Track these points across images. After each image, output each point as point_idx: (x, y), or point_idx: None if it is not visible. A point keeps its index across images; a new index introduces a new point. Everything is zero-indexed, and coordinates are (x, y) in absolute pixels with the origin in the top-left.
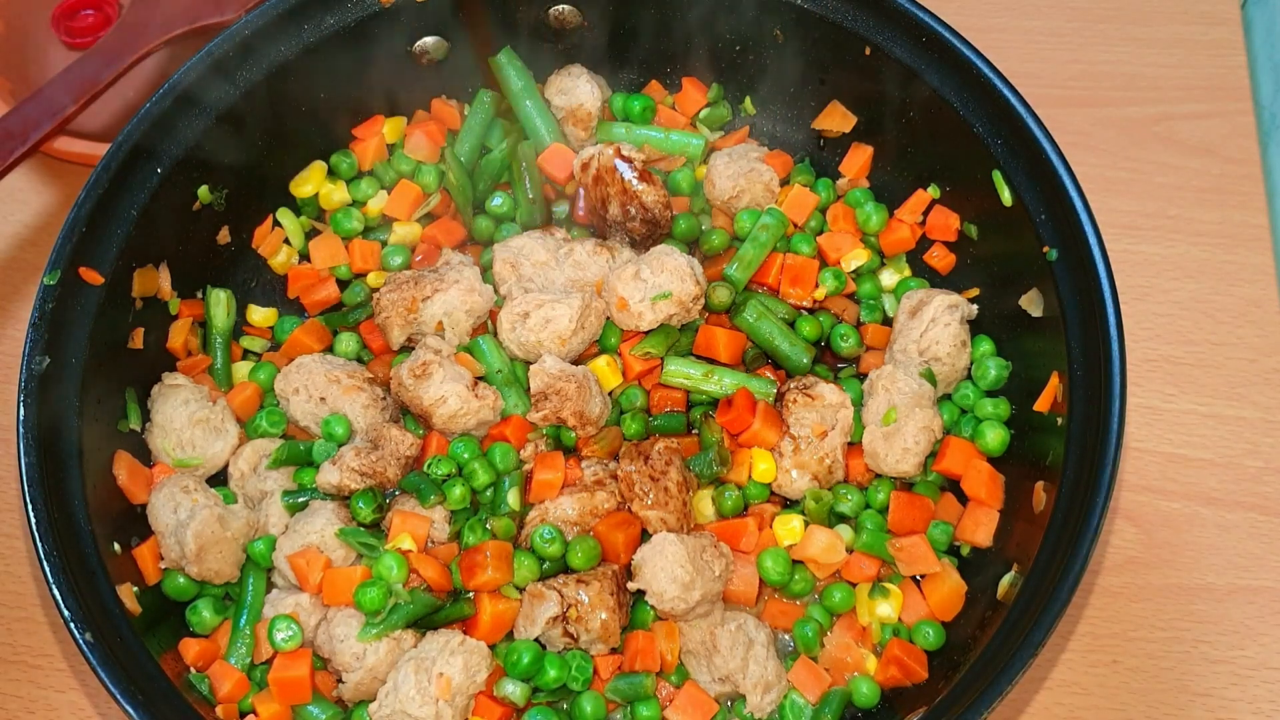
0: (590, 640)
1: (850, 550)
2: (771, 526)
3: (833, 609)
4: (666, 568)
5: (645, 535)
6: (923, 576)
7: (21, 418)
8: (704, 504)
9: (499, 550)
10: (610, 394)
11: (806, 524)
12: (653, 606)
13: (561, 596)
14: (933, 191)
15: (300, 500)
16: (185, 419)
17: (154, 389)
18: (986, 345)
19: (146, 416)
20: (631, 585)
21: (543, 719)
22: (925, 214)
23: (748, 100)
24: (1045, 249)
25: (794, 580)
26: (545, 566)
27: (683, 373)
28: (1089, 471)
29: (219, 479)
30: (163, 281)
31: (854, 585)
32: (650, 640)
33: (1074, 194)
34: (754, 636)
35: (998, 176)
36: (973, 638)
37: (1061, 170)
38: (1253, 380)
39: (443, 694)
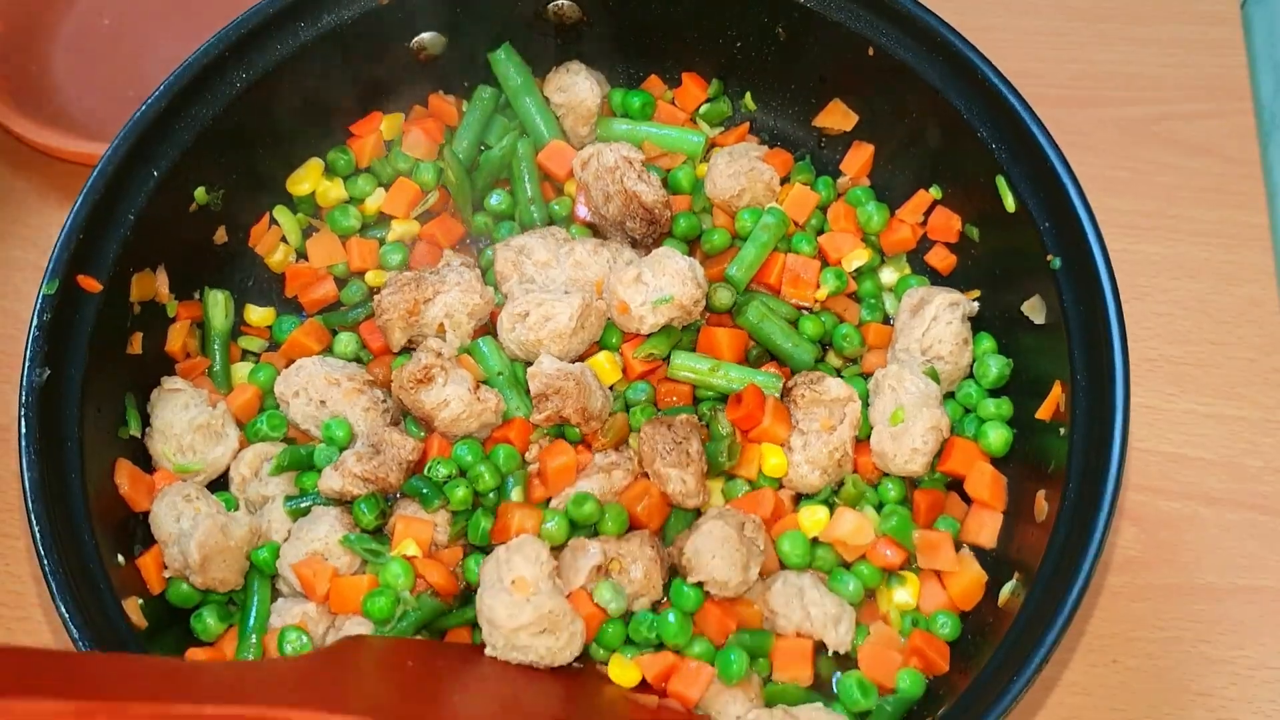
0: (633, 594)
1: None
2: (795, 512)
3: (863, 581)
4: (722, 553)
5: (676, 516)
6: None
7: (24, 432)
8: (714, 496)
9: (527, 510)
10: (611, 388)
11: (833, 509)
12: (712, 594)
13: (603, 550)
14: (934, 192)
15: (303, 505)
16: (185, 424)
17: (153, 393)
18: (988, 342)
19: (146, 422)
20: (690, 579)
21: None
22: (926, 214)
23: (748, 96)
24: (1049, 257)
25: (815, 559)
26: (577, 530)
27: (689, 366)
28: (1092, 486)
29: (219, 483)
30: (160, 284)
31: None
32: (727, 606)
33: (1079, 204)
34: (800, 583)
35: (1001, 182)
36: (975, 646)
37: (1066, 179)
38: (1253, 380)
39: (523, 591)
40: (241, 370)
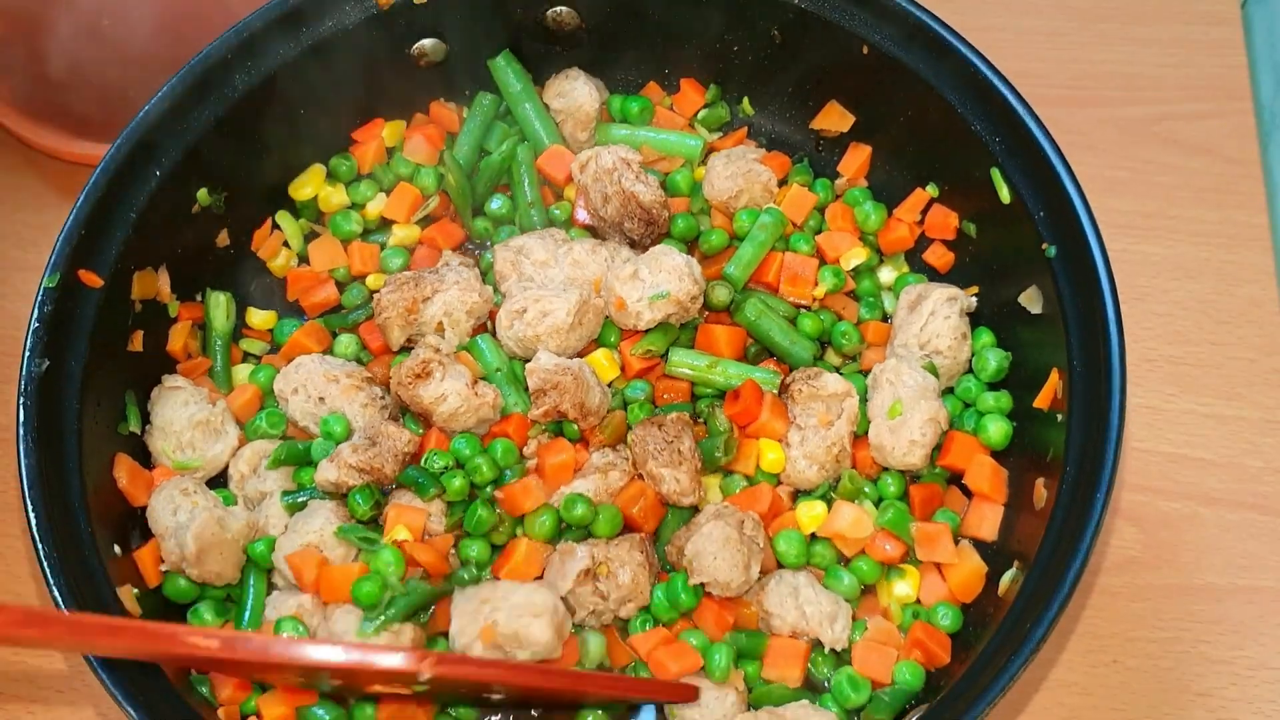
0: (621, 599)
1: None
2: (793, 509)
3: (860, 578)
4: (724, 554)
5: (673, 514)
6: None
7: (22, 420)
8: (711, 493)
9: (533, 483)
10: (610, 386)
11: (830, 504)
12: (712, 594)
13: (591, 554)
14: (931, 190)
15: (300, 500)
16: (185, 421)
17: (154, 391)
18: (987, 337)
19: (146, 419)
20: (693, 581)
21: None
22: (923, 213)
23: (745, 101)
24: (1044, 245)
25: (813, 556)
26: (569, 532)
27: (687, 363)
28: (1089, 466)
29: (219, 481)
30: (162, 284)
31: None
32: (720, 608)
33: (1070, 187)
34: (794, 581)
35: (996, 174)
36: (976, 636)
37: (1058, 163)
38: (1253, 380)
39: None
40: (242, 371)
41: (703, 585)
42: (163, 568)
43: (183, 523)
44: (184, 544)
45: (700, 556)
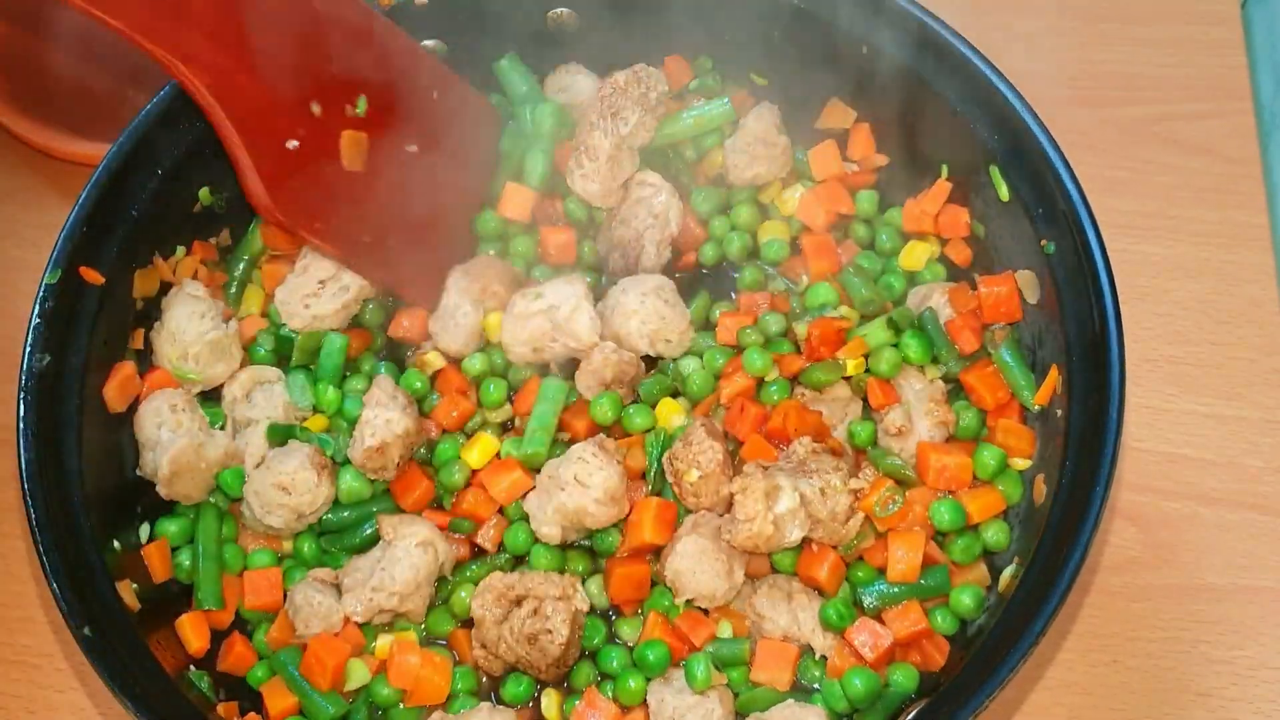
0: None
1: None
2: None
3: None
4: (701, 567)
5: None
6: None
7: (22, 415)
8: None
9: None
10: None
11: None
12: (704, 609)
13: None
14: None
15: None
16: (196, 334)
17: (170, 292)
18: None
19: (156, 316)
20: (678, 599)
21: None
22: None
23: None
24: (1043, 242)
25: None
26: None
27: None
28: (1089, 462)
29: (214, 393)
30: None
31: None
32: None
33: (1071, 187)
34: (788, 587)
35: (995, 173)
36: (974, 636)
37: (1058, 163)
38: (1253, 380)
39: None
40: (254, 296)
41: (690, 601)
42: (138, 472)
43: (164, 441)
44: (159, 464)
45: (679, 576)
